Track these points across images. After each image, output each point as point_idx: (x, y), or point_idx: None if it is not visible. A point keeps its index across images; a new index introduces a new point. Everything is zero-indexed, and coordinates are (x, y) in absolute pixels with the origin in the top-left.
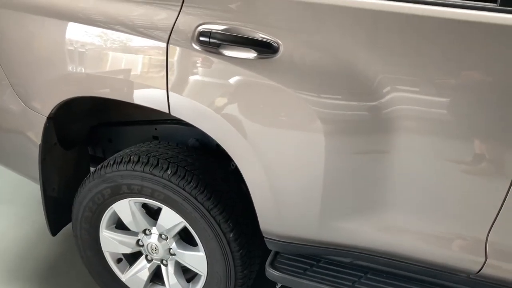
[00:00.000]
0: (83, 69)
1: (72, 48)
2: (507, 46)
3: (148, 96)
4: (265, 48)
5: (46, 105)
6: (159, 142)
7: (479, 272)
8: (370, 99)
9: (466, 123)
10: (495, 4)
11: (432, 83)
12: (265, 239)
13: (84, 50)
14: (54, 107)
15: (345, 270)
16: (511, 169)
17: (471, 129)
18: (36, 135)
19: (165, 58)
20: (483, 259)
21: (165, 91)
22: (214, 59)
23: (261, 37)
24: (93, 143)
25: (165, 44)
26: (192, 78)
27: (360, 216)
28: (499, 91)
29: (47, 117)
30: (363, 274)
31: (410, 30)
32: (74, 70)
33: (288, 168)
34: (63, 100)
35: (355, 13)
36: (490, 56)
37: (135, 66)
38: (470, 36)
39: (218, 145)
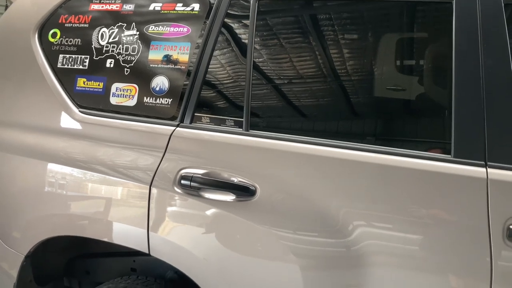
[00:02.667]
0: (64, 210)
1: (53, 189)
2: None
3: (129, 236)
4: (243, 192)
5: (25, 244)
6: (137, 278)
7: None
8: (340, 236)
9: (431, 257)
10: (449, 156)
11: (398, 222)
12: None
13: (65, 191)
14: (33, 246)
15: None
16: None
17: (436, 264)
18: (12, 273)
19: (147, 199)
20: None
21: (146, 231)
22: (194, 201)
23: (239, 181)
24: (69, 275)
25: (148, 186)
26: (172, 219)
27: None
28: (462, 230)
29: (25, 256)
30: None
31: (378, 177)
32: (56, 212)
33: None
34: (43, 240)
35: (326, 161)
36: (452, 201)
37: (117, 207)
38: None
39: None
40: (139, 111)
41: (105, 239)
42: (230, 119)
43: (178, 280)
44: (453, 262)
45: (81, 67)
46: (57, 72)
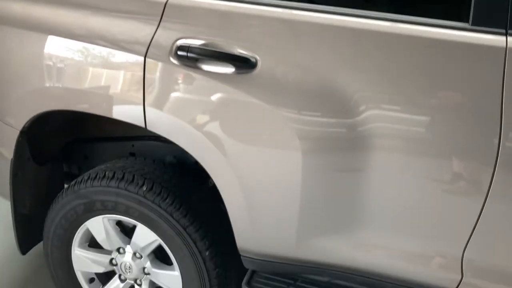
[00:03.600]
0: (60, 83)
1: (49, 61)
2: (481, 66)
3: (126, 110)
4: (243, 63)
5: (20, 119)
6: (136, 159)
7: None
8: (347, 116)
9: (441, 141)
10: (467, 24)
11: (408, 102)
12: (242, 257)
13: (57, 63)
14: (28, 121)
15: None
16: (486, 186)
17: (446, 147)
18: (8, 150)
19: (142, 72)
20: (459, 277)
21: (142, 105)
22: (192, 73)
23: (239, 52)
24: (68, 160)
25: (142, 58)
26: (169, 92)
27: (336, 234)
28: (474, 109)
29: (20, 131)
30: None
31: (389, 48)
32: (50, 84)
33: (265, 186)
34: (37, 114)
35: (335, 31)
36: (466, 76)
37: (113, 80)
38: (447, 56)
39: (196, 163)
40: None
41: (100, 113)
42: None
43: (177, 165)
44: (459, 143)
45: None
46: None
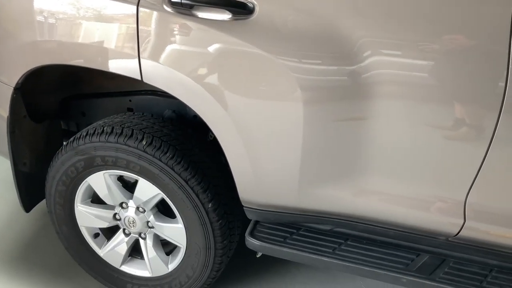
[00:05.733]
0: (52, 36)
1: (39, 14)
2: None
3: (121, 63)
4: (240, 9)
5: (12, 75)
6: (134, 113)
7: (458, 235)
8: (350, 63)
9: (446, 87)
10: None
11: (413, 46)
12: (244, 208)
13: (52, 16)
14: (21, 77)
15: (325, 237)
16: (490, 131)
17: (452, 92)
18: (3, 108)
19: (135, 22)
20: (462, 221)
21: (137, 56)
22: (187, 21)
23: None
24: (66, 117)
25: (135, 7)
26: (164, 43)
27: (338, 182)
28: (479, 54)
29: (14, 88)
30: (343, 241)
31: None
32: (43, 38)
33: (267, 137)
34: (30, 69)
35: None
36: (472, 17)
37: (107, 32)
38: None
39: (195, 116)
40: None
41: (95, 67)
42: None
43: (176, 119)
44: (465, 87)
45: None
46: None
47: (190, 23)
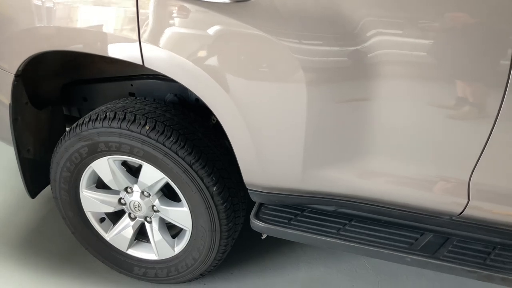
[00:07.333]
0: (50, 22)
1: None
2: None
3: (122, 48)
4: None
5: (13, 62)
6: (136, 98)
7: (462, 214)
8: (353, 43)
9: (449, 65)
10: None
11: (416, 26)
12: (248, 191)
13: (50, 1)
14: (21, 64)
15: (329, 218)
16: (494, 110)
17: (456, 72)
18: (5, 95)
19: (135, 5)
20: (466, 201)
21: (137, 40)
22: (187, 4)
23: None
24: (68, 103)
25: None
26: (164, 25)
27: (342, 164)
28: (482, 33)
29: (15, 75)
30: (347, 222)
31: None
32: (42, 24)
33: (270, 120)
34: (30, 56)
35: None
36: None
37: (106, 16)
38: None
39: (197, 100)
40: None
41: (95, 52)
42: None
43: (179, 103)
44: (470, 66)
45: None
46: None
47: (190, 5)
